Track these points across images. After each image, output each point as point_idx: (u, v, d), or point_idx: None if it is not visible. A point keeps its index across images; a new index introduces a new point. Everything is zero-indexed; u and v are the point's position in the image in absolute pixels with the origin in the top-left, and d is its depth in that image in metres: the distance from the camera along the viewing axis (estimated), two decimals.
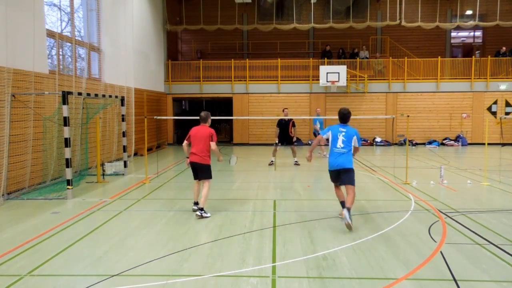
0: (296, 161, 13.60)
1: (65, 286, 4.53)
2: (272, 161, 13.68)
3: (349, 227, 6.28)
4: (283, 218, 7.15)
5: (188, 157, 7.38)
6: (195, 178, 7.47)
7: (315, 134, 14.68)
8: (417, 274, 4.75)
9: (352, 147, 6.73)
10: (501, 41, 22.13)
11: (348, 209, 6.39)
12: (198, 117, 7.46)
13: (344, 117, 6.82)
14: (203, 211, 7.14)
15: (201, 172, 7.30)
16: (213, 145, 7.20)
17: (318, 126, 15.61)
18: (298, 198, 8.82)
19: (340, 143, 6.68)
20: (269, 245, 5.74)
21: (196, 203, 7.46)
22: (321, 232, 6.31)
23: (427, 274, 4.75)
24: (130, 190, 9.65)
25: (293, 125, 13.34)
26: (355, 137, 6.73)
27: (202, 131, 7.25)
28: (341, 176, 6.80)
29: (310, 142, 19.39)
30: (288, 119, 13.29)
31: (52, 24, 11.61)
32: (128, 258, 5.27)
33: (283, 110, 13.80)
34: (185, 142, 7.39)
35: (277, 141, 13.35)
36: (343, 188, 6.99)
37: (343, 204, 6.79)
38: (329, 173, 7.05)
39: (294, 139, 13.57)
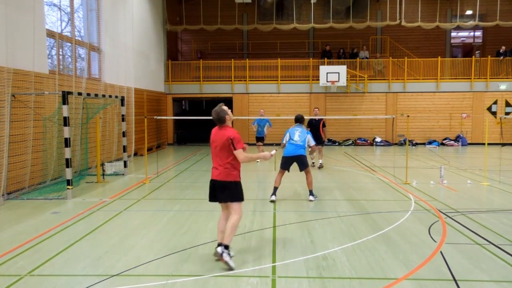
0: (320, 163, 13.11)
1: (65, 286, 4.53)
2: (313, 163, 13.24)
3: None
4: (283, 218, 7.15)
5: None
6: (210, 199, 5.24)
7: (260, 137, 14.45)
8: (417, 274, 4.75)
9: (306, 145, 8.50)
10: (501, 41, 22.13)
11: (311, 192, 8.49)
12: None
13: (299, 120, 8.71)
14: (227, 250, 4.88)
15: (222, 192, 5.06)
16: (239, 154, 4.94)
17: (255, 128, 14.48)
18: (298, 198, 8.82)
19: (296, 137, 8.44)
20: (269, 245, 5.74)
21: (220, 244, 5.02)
22: (321, 232, 6.31)
23: (427, 274, 4.75)
24: (130, 190, 9.65)
25: (323, 125, 13.07)
26: (308, 136, 8.56)
27: (218, 136, 5.04)
28: (297, 164, 8.45)
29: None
30: (318, 118, 12.99)
31: (52, 24, 11.61)
32: (128, 258, 5.26)
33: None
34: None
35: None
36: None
37: (275, 189, 8.48)
38: (283, 159, 8.56)
39: (325, 140, 14.00)
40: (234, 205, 5.02)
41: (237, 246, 5.71)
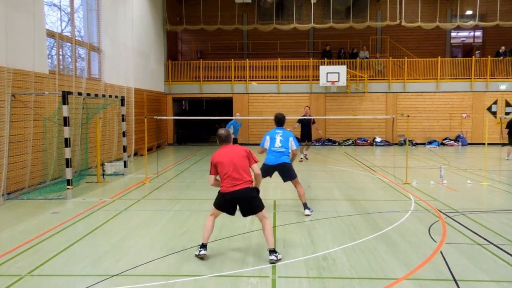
0: (305, 154, 14.47)
1: (65, 286, 4.53)
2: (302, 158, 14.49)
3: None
4: (283, 218, 7.15)
5: (221, 191, 5.23)
6: (227, 211, 5.33)
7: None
8: (417, 274, 4.75)
9: (290, 150, 7.42)
10: (501, 41, 22.12)
11: (305, 205, 7.40)
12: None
13: (280, 121, 7.59)
14: (277, 253, 5.13)
15: (251, 202, 5.20)
16: (256, 168, 5.39)
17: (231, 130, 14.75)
18: (298, 198, 8.80)
19: (278, 143, 7.39)
20: None
21: (272, 251, 5.12)
22: (321, 232, 6.31)
23: (427, 274, 4.75)
24: (130, 190, 9.65)
25: (313, 122, 14.21)
26: (291, 138, 7.45)
27: (234, 152, 5.29)
28: (282, 173, 7.49)
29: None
30: (308, 117, 13.95)
31: (52, 24, 11.61)
32: (128, 258, 5.27)
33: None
34: (212, 176, 5.33)
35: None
36: None
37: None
38: (264, 166, 7.39)
39: (319, 131, 14.78)
40: (262, 212, 5.25)
41: (237, 246, 5.71)
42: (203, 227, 5.37)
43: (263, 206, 5.25)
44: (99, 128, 11.28)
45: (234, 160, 5.19)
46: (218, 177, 5.32)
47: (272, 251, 5.07)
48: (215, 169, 5.28)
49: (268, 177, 7.72)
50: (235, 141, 14.83)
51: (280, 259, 5.10)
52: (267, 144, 7.48)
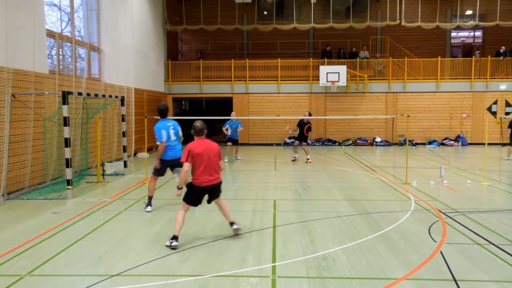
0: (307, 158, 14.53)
1: (65, 286, 4.53)
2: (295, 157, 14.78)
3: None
4: (283, 218, 7.14)
5: (195, 184, 5.70)
6: (196, 204, 5.90)
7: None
8: (417, 274, 4.75)
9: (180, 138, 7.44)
10: (501, 41, 22.13)
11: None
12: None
13: (163, 112, 7.43)
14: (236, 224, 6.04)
15: (218, 191, 5.95)
16: (222, 163, 5.97)
17: (227, 131, 14.63)
18: (298, 198, 8.82)
19: (173, 136, 7.33)
20: (269, 245, 5.74)
21: (232, 223, 6.06)
22: (321, 232, 6.31)
23: (427, 274, 4.75)
24: (130, 190, 9.65)
25: (309, 129, 14.31)
26: (179, 128, 7.51)
27: (209, 147, 5.75)
28: (175, 168, 7.35)
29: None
30: (306, 120, 14.31)
31: (52, 24, 11.61)
32: (128, 258, 5.27)
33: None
34: (188, 164, 5.61)
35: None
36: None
37: (150, 198, 7.64)
38: (163, 162, 7.39)
39: (308, 141, 14.79)
40: (220, 199, 6.02)
41: (237, 246, 5.72)
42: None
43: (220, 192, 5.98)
44: (99, 128, 11.28)
45: (211, 156, 5.69)
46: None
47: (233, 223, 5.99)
48: (192, 159, 5.61)
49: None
50: (235, 142, 14.81)
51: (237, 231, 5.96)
52: (164, 138, 7.25)
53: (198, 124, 5.81)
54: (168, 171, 7.86)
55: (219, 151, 5.84)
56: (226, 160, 14.71)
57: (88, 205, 8.15)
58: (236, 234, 6.06)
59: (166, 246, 5.62)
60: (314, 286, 4.46)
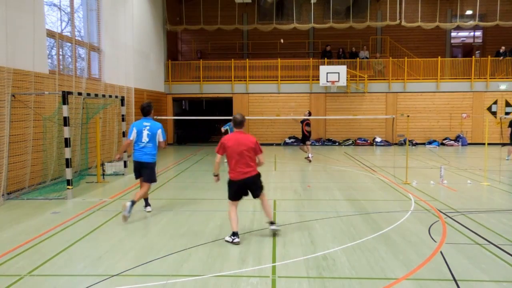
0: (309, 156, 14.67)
1: (65, 286, 4.53)
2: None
3: (124, 219, 6.66)
4: (283, 218, 7.14)
5: (231, 179, 5.82)
6: (238, 199, 5.94)
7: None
8: (417, 274, 4.74)
9: (157, 142, 7.07)
10: (501, 41, 22.13)
11: (133, 202, 6.73)
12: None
13: (144, 110, 7.07)
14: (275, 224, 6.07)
15: (258, 186, 5.94)
16: (262, 157, 5.87)
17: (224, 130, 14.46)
18: (298, 198, 8.82)
19: (145, 137, 6.93)
20: (269, 245, 5.74)
21: (271, 223, 6.08)
22: (321, 232, 6.31)
23: (427, 274, 4.75)
24: (130, 190, 9.65)
25: (307, 125, 14.42)
26: (159, 131, 7.00)
27: (244, 141, 5.76)
28: (142, 171, 7.08)
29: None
30: (304, 118, 14.53)
31: (52, 24, 11.61)
32: (128, 258, 5.27)
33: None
34: (219, 156, 5.88)
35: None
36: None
37: (146, 200, 7.50)
38: (133, 165, 7.19)
39: (307, 135, 14.58)
40: (263, 194, 6.06)
41: (237, 246, 5.71)
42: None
43: (263, 188, 6.02)
44: (99, 128, 11.28)
45: (244, 149, 5.70)
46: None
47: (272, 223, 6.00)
48: (223, 150, 5.80)
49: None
50: None
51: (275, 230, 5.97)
52: (133, 136, 6.98)
53: (238, 116, 5.88)
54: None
55: (255, 145, 5.77)
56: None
57: (88, 205, 8.15)
58: (274, 234, 6.01)
59: (227, 241, 5.73)
60: (314, 286, 4.46)
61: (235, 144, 5.70)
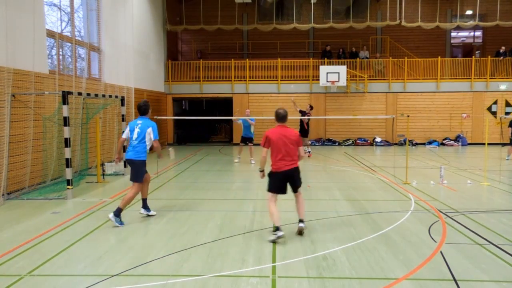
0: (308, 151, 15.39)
1: (65, 286, 4.53)
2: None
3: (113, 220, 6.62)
4: (283, 218, 7.11)
5: (274, 171, 5.97)
6: (284, 192, 6.15)
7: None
8: (417, 274, 4.75)
9: (148, 141, 6.84)
10: (501, 41, 22.13)
11: (120, 210, 6.66)
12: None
13: (140, 109, 6.98)
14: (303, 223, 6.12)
15: (298, 178, 6.14)
16: (301, 150, 6.03)
17: (238, 122, 14.77)
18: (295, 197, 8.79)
19: (135, 135, 6.84)
20: (269, 245, 5.74)
21: (301, 221, 6.17)
22: (321, 232, 6.31)
23: (427, 274, 4.75)
24: None
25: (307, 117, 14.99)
26: (150, 129, 6.81)
27: (287, 134, 5.95)
28: (131, 170, 6.93)
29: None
30: (307, 113, 15.01)
31: (52, 24, 11.61)
32: (128, 258, 5.27)
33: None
34: (264, 149, 5.97)
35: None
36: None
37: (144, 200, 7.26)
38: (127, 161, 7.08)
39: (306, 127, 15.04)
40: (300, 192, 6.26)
41: (237, 246, 5.72)
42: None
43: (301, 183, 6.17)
44: (99, 128, 11.28)
45: (287, 143, 5.87)
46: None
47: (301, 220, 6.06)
48: (268, 144, 5.94)
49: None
50: (250, 140, 14.28)
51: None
52: (126, 134, 6.97)
53: (281, 111, 6.04)
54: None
55: (298, 139, 5.97)
56: (236, 160, 14.56)
57: (88, 205, 8.15)
58: (299, 233, 6.07)
59: (272, 240, 5.75)
60: (314, 286, 4.46)
61: (279, 138, 5.86)
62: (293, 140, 5.92)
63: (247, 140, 14.32)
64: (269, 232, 6.30)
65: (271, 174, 6.03)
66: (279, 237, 5.73)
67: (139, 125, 6.84)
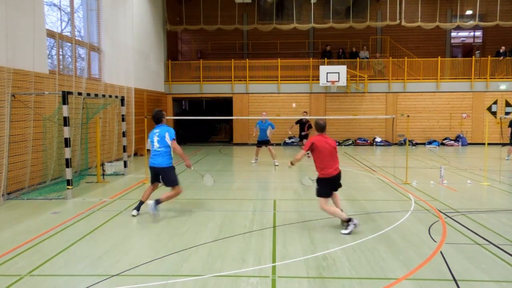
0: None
1: (65, 286, 4.53)
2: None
3: (153, 216, 6.99)
4: (283, 218, 7.14)
5: (324, 177, 6.37)
6: (330, 195, 6.52)
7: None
8: (417, 274, 4.75)
9: (169, 145, 7.04)
10: (501, 41, 22.13)
11: (158, 201, 7.03)
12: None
13: (154, 118, 7.29)
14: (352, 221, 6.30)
15: (340, 180, 6.57)
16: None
17: (256, 132, 14.00)
18: (298, 198, 8.81)
19: (156, 144, 7.08)
20: (269, 245, 5.74)
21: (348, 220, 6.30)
22: (321, 232, 6.31)
23: (427, 274, 4.75)
24: (130, 190, 9.65)
25: (310, 127, 15.18)
26: (167, 133, 7.04)
27: (329, 142, 6.42)
28: (162, 177, 7.15)
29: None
30: (305, 120, 15.16)
31: (52, 24, 11.61)
32: (128, 258, 5.27)
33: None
34: (304, 152, 6.51)
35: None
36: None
37: (141, 203, 7.36)
38: (150, 170, 7.31)
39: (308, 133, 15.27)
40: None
41: (237, 246, 5.72)
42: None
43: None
44: (99, 128, 11.28)
45: (332, 149, 6.37)
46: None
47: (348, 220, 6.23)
48: (312, 149, 6.34)
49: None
50: (267, 142, 13.66)
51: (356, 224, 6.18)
52: (149, 145, 7.23)
53: (322, 122, 6.51)
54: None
55: (336, 146, 6.51)
56: (253, 161, 13.99)
57: (88, 205, 8.15)
58: (350, 232, 6.16)
59: (345, 233, 6.08)
60: (314, 286, 4.46)
61: (325, 145, 6.32)
62: (334, 147, 6.44)
63: (263, 143, 13.75)
64: (269, 232, 6.30)
65: (321, 181, 6.41)
66: (355, 225, 6.13)
67: (157, 133, 7.08)
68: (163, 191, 7.59)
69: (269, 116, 16.39)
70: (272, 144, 13.99)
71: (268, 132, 13.59)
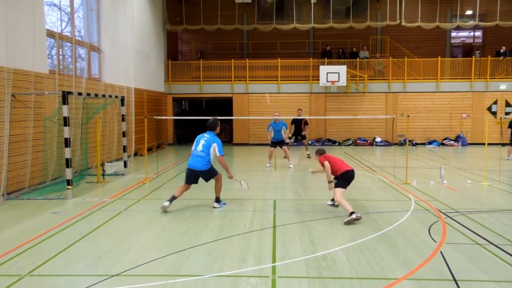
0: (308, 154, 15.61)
1: (65, 286, 4.53)
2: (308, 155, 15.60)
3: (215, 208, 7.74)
4: (283, 218, 7.15)
5: (343, 173, 7.28)
6: (346, 187, 7.34)
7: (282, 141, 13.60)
8: (417, 274, 4.75)
9: (212, 155, 7.56)
10: (501, 41, 22.13)
11: (217, 199, 7.93)
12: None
13: (209, 125, 7.79)
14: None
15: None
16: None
17: (270, 134, 13.56)
18: (298, 198, 8.81)
19: (200, 147, 7.56)
20: (269, 245, 5.74)
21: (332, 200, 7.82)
22: (321, 232, 6.31)
23: (427, 274, 4.75)
24: (130, 190, 9.65)
25: (306, 123, 15.25)
26: (215, 144, 7.53)
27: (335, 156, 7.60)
28: (203, 178, 7.75)
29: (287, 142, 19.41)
30: (301, 118, 15.06)
31: (52, 24, 11.61)
32: (128, 258, 5.27)
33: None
34: (327, 162, 7.32)
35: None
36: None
37: (174, 198, 7.71)
38: (186, 171, 7.86)
39: (304, 133, 15.32)
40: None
41: (237, 246, 5.72)
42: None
43: None
44: (99, 128, 11.28)
45: (339, 158, 7.56)
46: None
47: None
48: (328, 160, 7.29)
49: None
50: (282, 143, 13.34)
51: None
52: (194, 146, 7.75)
53: (321, 148, 7.59)
54: (202, 181, 7.93)
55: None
56: (268, 165, 13.36)
57: (88, 205, 8.15)
58: (347, 221, 6.68)
59: (347, 222, 6.63)
60: (314, 286, 4.46)
61: (333, 157, 7.44)
62: (339, 158, 7.56)
63: (278, 144, 13.32)
64: (269, 232, 6.30)
65: (342, 175, 7.20)
66: (354, 218, 6.62)
67: (206, 138, 7.60)
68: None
69: (269, 116, 16.39)
70: (287, 144, 13.76)
71: (282, 132, 13.22)
